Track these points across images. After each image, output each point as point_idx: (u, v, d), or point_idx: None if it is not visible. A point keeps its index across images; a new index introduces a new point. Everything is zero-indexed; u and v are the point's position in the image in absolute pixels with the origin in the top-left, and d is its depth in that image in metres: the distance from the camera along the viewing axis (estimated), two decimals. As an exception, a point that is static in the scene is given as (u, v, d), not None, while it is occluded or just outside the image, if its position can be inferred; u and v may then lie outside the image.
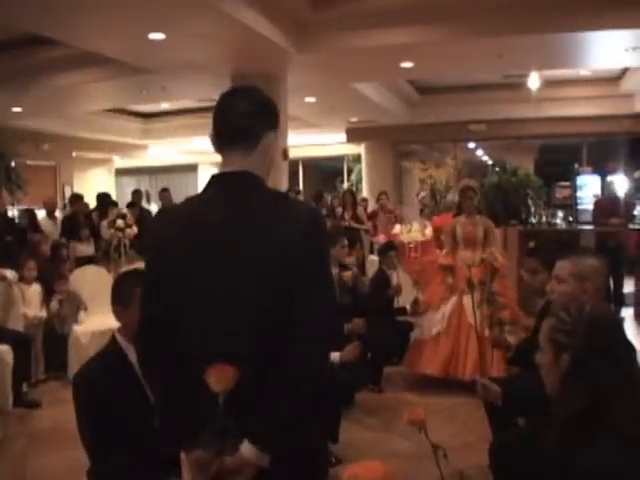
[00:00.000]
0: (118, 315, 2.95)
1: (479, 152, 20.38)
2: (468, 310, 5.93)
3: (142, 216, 11.16)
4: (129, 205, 11.60)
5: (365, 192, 16.96)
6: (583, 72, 12.94)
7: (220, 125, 2.08)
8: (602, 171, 14.55)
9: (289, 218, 1.99)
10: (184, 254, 1.99)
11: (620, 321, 2.67)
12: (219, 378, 1.83)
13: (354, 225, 10.73)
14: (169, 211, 3.13)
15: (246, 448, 1.88)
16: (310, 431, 2.07)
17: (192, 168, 21.98)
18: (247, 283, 1.93)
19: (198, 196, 2.12)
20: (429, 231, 11.08)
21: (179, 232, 2.04)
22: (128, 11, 6.80)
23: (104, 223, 10.23)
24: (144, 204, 13.98)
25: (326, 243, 2.24)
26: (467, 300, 5.92)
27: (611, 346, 2.16)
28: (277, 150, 2.20)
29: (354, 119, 15.87)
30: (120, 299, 2.95)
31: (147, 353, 2.12)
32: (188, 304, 1.99)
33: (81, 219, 10.75)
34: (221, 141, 2.08)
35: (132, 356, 2.80)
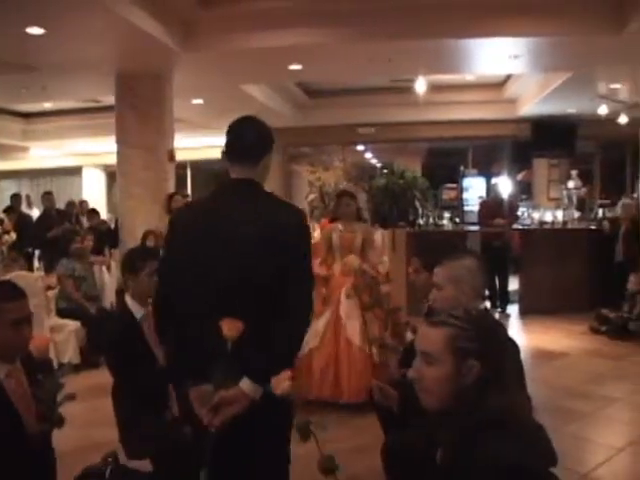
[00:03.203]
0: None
1: (368, 155, 20.66)
2: (346, 322, 5.79)
3: (22, 221, 10.72)
4: (6, 210, 11.12)
5: (256, 195, 16.77)
6: (469, 77, 13.29)
7: (232, 148, 2.76)
8: (487, 173, 15.04)
9: (290, 210, 2.72)
10: (201, 237, 2.61)
11: None
12: (230, 327, 2.40)
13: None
14: (191, 206, 3.64)
15: (245, 383, 2.47)
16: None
17: (76, 170, 21.14)
18: (250, 258, 2.54)
19: (214, 194, 2.81)
20: (317, 234, 11.10)
21: (197, 220, 2.68)
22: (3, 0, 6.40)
23: (-20, 229, 9.75)
24: (24, 209, 13.41)
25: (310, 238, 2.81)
26: (343, 311, 5.83)
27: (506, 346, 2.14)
28: (271, 164, 2.87)
29: (243, 121, 15.65)
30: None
31: (164, 318, 2.69)
32: (202, 276, 2.57)
33: (-46, 225, 10.21)
34: (233, 159, 2.74)
35: None
